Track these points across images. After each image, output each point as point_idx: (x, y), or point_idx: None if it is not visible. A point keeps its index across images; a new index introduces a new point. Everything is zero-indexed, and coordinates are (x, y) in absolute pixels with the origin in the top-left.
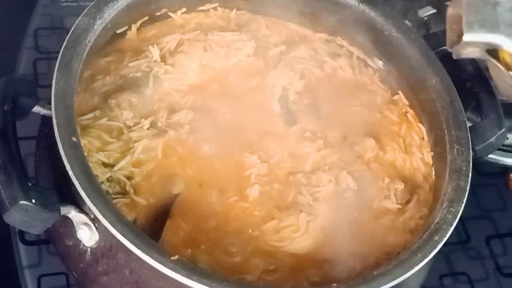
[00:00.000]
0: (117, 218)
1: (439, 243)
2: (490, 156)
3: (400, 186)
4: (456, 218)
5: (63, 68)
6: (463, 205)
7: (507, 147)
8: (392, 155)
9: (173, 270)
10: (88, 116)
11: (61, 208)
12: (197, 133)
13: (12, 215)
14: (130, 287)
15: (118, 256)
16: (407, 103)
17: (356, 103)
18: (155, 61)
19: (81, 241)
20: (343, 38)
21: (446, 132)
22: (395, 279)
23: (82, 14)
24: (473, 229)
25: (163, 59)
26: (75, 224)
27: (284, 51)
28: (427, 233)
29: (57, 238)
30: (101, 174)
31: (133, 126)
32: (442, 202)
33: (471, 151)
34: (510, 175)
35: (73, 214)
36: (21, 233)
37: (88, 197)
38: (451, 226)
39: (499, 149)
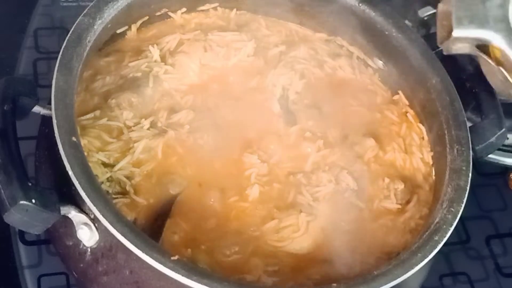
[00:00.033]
0: (117, 218)
1: (439, 243)
2: (490, 156)
3: (400, 186)
4: (456, 218)
5: (63, 68)
6: (463, 205)
7: (507, 147)
8: (392, 155)
9: (173, 270)
10: (88, 116)
11: (61, 208)
12: (197, 133)
13: (12, 215)
14: (130, 287)
15: (118, 256)
16: (407, 103)
17: (356, 103)
18: (155, 61)
19: (81, 241)
20: (343, 38)
21: (446, 132)
22: (395, 279)
23: (82, 14)
24: (473, 229)
25: (163, 59)
26: (75, 224)
27: (284, 51)
28: (427, 233)
29: (57, 238)
30: (101, 174)
31: (133, 126)
32: (442, 202)
33: (471, 151)
34: (510, 175)
35: (73, 214)
36: (21, 233)
37: (88, 197)
38: (451, 226)
39: (499, 149)
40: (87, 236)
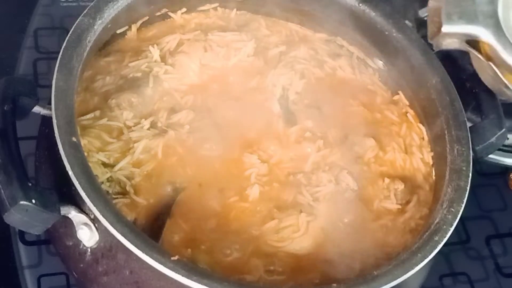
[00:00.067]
0: (117, 219)
1: (439, 243)
2: (490, 156)
3: (400, 186)
4: (456, 218)
5: (63, 68)
6: (463, 205)
7: (507, 147)
8: (392, 155)
9: (173, 270)
10: (88, 116)
11: (61, 208)
12: (197, 133)
13: (12, 215)
14: (130, 287)
15: (118, 256)
16: (407, 103)
17: (356, 103)
18: (155, 61)
19: (81, 241)
20: (343, 38)
21: (446, 132)
22: (395, 279)
23: (82, 14)
24: (473, 229)
25: (163, 59)
26: (75, 224)
27: (284, 51)
28: (427, 233)
29: (57, 238)
30: (101, 174)
31: (133, 126)
32: (442, 202)
33: (471, 151)
34: (510, 175)
35: (73, 214)
36: (21, 233)
37: (88, 197)
38: (451, 227)
39: (499, 149)
40: (87, 236)
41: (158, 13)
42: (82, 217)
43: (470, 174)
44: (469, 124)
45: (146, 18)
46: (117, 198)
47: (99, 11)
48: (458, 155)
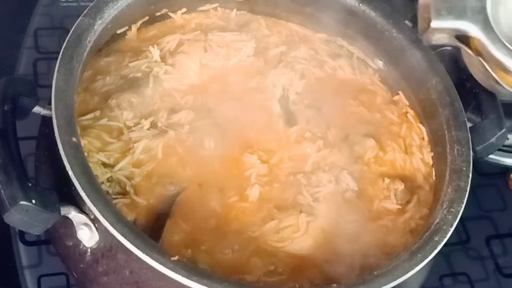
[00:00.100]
0: (117, 219)
1: (439, 243)
2: (490, 156)
3: (400, 186)
4: (456, 218)
5: (63, 68)
6: (463, 206)
7: (507, 147)
8: (392, 155)
9: (173, 271)
10: (88, 116)
11: (61, 208)
12: (197, 133)
13: (12, 216)
14: (130, 287)
15: (118, 256)
16: (407, 103)
17: (356, 103)
18: (155, 61)
19: (81, 242)
20: (343, 38)
21: (446, 132)
22: (395, 280)
23: (82, 14)
24: (473, 229)
25: (163, 59)
26: (75, 224)
27: (284, 51)
28: (427, 233)
29: (57, 238)
30: (101, 175)
31: (133, 126)
32: (442, 203)
33: (471, 152)
34: (510, 175)
35: (73, 215)
36: (21, 233)
37: (88, 197)
38: (451, 227)
39: (499, 150)
40: (87, 237)
41: (158, 13)
42: (82, 217)
43: (470, 174)
44: (469, 124)
45: (146, 18)
46: (117, 198)
47: (99, 11)
48: (458, 155)
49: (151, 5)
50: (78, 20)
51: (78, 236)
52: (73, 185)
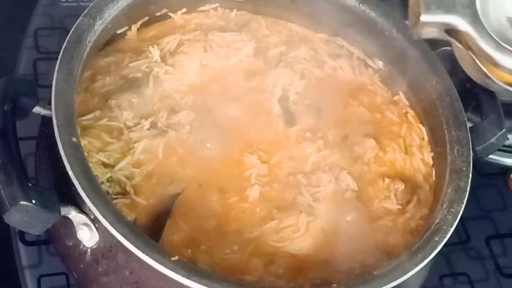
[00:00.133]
0: (117, 219)
1: (439, 243)
2: (490, 156)
3: (400, 186)
4: (456, 218)
5: (63, 68)
6: (463, 206)
7: (507, 147)
8: (392, 155)
9: (173, 271)
10: (88, 116)
11: (61, 208)
12: (197, 133)
13: (12, 216)
14: (130, 287)
15: (118, 256)
16: (407, 103)
17: (356, 103)
18: (155, 62)
19: (81, 242)
20: (343, 38)
21: (446, 132)
22: (395, 280)
23: (82, 14)
24: (473, 229)
25: (163, 59)
26: (75, 224)
27: (284, 51)
28: (427, 233)
29: (57, 238)
30: (101, 175)
31: (133, 126)
32: (442, 203)
33: (471, 152)
34: (510, 175)
35: (73, 215)
36: (21, 233)
37: (88, 197)
38: (451, 227)
39: (499, 150)
40: (87, 237)
41: (158, 13)
42: (82, 217)
43: (470, 175)
44: (469, 124)
45: (146, 18)
46: (117, 198)
47: (99, 11)
48: (458, 155)
49: (151, 5)
50: (78, 20)
51: (78, 236)
52: (73, 185)
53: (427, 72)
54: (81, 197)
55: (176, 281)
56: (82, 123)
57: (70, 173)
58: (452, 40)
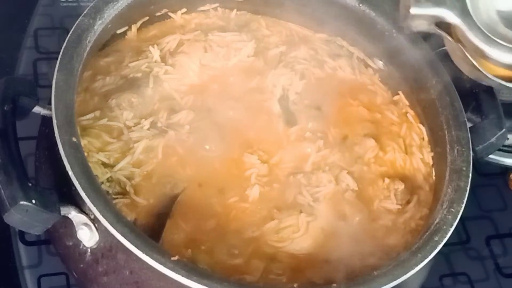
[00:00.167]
0: (117, 219)
1: (439, 243)
2: (490, 156)
3: (400, 186)
4: (456, 218)
5: (63, 68)
6: (463, 206)
7: (507, 147)
8: (392, 155)
9: (173, 271)
10: (88, 116)
11: (61, 208)
12: (197, 133)
13: (12, 216)
14: (130, 287)
15: (118, 256)
16: (407, 103)
17: (356, 103)
18: (155, 62)
19: (81, 242)
20: (343, 38)
21: (446, 132)
22: (395, 280)
23: (82, 14)
24: (473, 229)
25: (163, 59)
26: (75, 224)
27: (284, 52)
28: (427, 233)
29: (57, 238)
30: (101, 175)
31: (133, 126)
32: (442, 203)
33: (471, 152)
34: (510, 175)
35: (73, 215)
36: (21, 233)
37: (88, 197)
38: (451, 227)
39: (499, 150)
40: (87, 237)
41: (158, 13)
42: (82, 217)
43: (470, 174)
44: (469, 124)
45: (146, 18)
46: (117, 198)
47: (99, 11)
48: (458, 155)
49: (151, 5)
50: (78, 20)
51: (78, 236)
52: (73, 185)
53: (427, 71)
54: (81, 197)
55: (176, 281)
56: (82, 123)
57: (70, 173)
58: (443, 33)
